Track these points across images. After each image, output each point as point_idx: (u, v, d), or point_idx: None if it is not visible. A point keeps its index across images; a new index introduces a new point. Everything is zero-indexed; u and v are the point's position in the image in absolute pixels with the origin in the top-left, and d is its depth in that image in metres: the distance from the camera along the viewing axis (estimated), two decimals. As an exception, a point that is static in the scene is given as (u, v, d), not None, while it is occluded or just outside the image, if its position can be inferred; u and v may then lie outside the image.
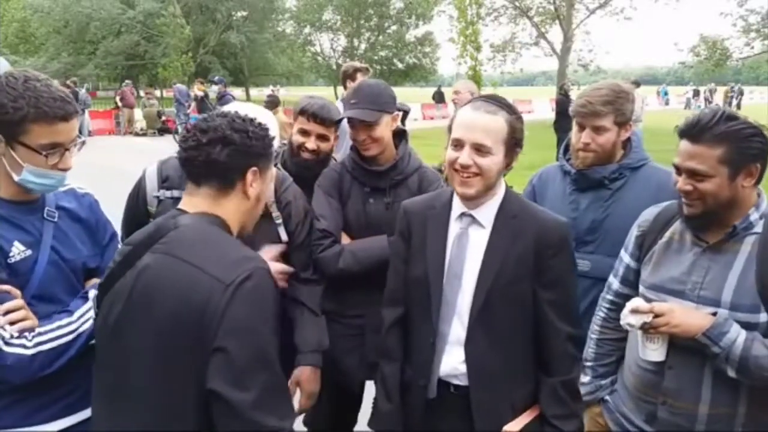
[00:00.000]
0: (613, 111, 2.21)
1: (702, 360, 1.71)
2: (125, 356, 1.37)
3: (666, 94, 44.08)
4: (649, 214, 1.96)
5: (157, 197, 2.15)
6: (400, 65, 44.85)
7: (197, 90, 17.05)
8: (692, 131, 1.68)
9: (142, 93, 29.50)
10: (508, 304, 1.75)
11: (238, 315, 1.28)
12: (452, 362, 1.80)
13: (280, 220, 2.24)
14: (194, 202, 1.47)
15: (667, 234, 1.87)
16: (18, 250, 1.62)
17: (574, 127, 2.31)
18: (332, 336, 2.36)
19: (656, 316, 1.71)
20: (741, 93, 36.27)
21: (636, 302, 1.77)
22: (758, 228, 1.68)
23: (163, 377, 1.31)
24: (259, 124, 1.54)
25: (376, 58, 43.47)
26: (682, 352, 1.73)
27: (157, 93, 33.78)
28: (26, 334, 1.56)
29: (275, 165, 2.61)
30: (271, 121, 2.13)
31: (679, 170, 1.73)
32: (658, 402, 1.80)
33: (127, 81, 23.70)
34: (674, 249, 1.84)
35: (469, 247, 1.80)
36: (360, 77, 5.13)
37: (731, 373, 1.65)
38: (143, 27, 37.77)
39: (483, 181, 1.73)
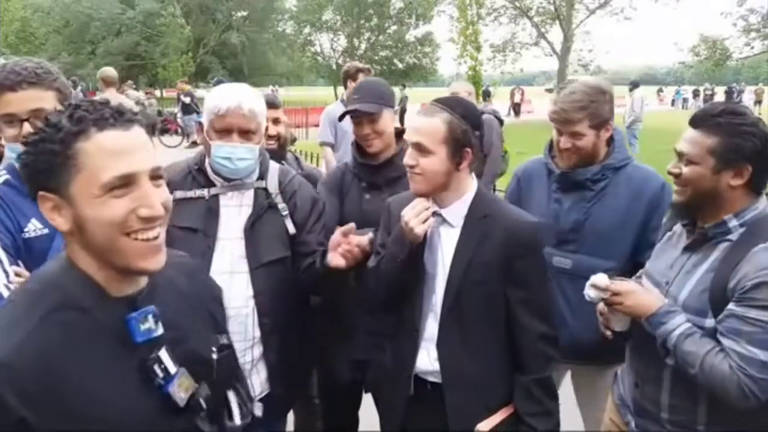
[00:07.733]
0: (588, 116, 2.18)
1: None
2: None
3: (679, 94, 41.77)
4: None
5: None
6: (400, 65, 44.80)
7: (179, 89, 16.72)
8: (696, 118, 1.70)
9: (142, 93, 29.45)
10: (478, 304, 1.78)
11: None
12: (427, 359, 1.84)
13: (286, 212, 2.14)
14: None
15: (674, 228, 1.90)
16: (34, 227, 1.65)
17: (554, 131, 2.31)
18: (321, 329, 2.36)
19: (614, 294, 1.78)
20: (741, 92, 36.28)
21: (597, 278, 1.81)
22: (734, 236, 1.66)
23: None
24: (71, 114, 1.01)
25: (376, 58, 43.44)
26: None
27: (157, 93, 33.81)
28: None
29: (281, 158, 2.63)
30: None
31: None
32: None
33: (128, 81, 23.68)
34: (671, 243, 1.89)
35: (440, 246, 1.84)
36: (362, 77, 5.15)
37: (669, 361, 1.71)
38: (143, 27, 37.74)
39: (425, 180, 1.77)
